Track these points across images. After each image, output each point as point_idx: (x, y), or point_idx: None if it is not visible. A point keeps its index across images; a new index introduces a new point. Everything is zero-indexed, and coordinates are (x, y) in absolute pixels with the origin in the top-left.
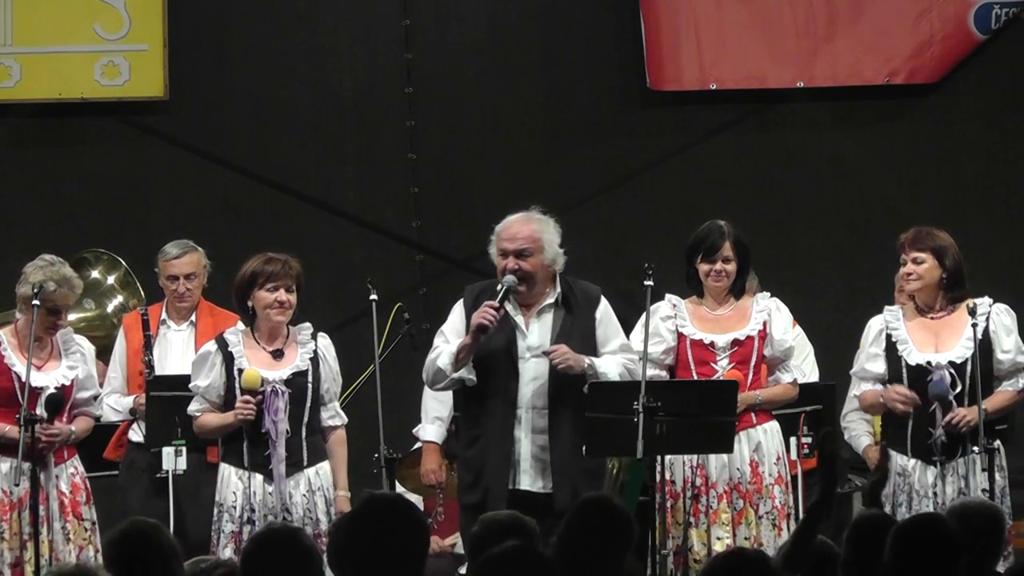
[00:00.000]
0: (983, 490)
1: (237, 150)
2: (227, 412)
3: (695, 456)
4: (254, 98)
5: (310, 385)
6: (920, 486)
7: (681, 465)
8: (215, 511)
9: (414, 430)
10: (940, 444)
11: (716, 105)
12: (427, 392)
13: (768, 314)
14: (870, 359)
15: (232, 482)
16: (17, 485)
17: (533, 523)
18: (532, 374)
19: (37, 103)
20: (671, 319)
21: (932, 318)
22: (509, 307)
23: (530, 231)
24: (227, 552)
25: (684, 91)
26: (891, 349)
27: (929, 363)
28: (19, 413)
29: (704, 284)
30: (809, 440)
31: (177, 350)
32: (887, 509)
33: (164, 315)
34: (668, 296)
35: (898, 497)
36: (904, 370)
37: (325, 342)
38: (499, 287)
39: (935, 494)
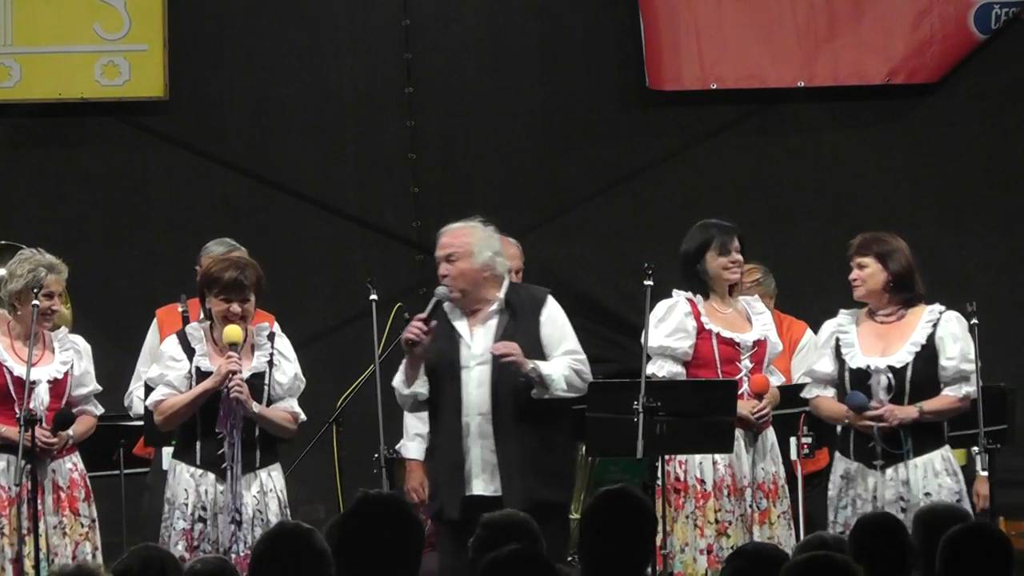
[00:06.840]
0: (925, 493)
1: (237, 150)
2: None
3: (725, 455)
4: (254, 98)
5: (266, 387)
6: (862, 489)
7: (711, 464)
8: (165, 508)
9: (397, 446)
10: (879, 449)
11: (716, 105)
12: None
13: (767, 316)
14: (818, 360)
15: (184, 479)
16: (18, 484)
17: (536, 525)
18: (476, 381)
19: (37, 103)
20: (691, 315)
21: (882, 322)
22: (457, 319)
23: (457, 235)
24: (179, 549)
25: (684, 91)
26: (838, 352)
27: (869, 367)
28: (18, 412)
29: (718, 278)
30: (809, 440)
31: None
32: (830, 512)
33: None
34: (677, 292)
35: (842, 500)
36: (846, 373)
37: (283, 343)
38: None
39: (875, 498)
